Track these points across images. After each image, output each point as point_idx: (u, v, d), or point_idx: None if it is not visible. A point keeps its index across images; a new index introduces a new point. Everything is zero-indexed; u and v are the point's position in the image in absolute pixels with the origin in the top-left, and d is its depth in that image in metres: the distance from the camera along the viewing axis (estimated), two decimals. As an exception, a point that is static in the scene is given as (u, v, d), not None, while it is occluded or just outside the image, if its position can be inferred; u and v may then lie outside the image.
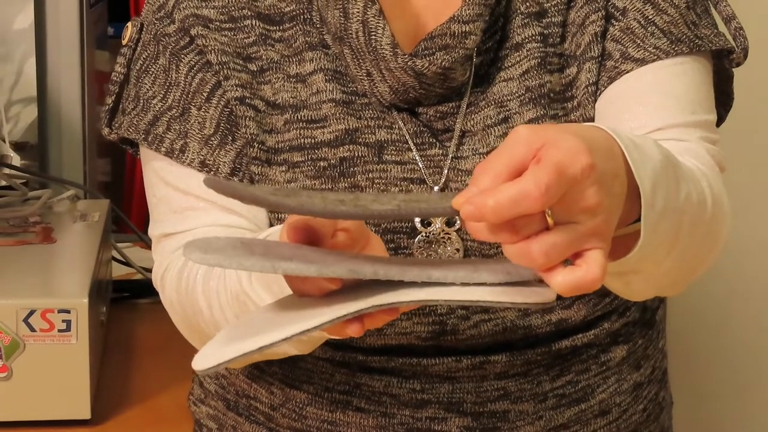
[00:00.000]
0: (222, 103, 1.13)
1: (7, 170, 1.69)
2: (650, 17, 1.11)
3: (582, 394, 1.18)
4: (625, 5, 1.11)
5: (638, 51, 1.10)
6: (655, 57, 1.10)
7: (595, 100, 1.11)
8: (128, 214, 1.26)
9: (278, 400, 1.19)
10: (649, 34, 1.11)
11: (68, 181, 1.79)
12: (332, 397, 1.16)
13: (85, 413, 1.31)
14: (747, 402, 2.10)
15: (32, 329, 1.29)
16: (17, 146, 1.81)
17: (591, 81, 1.10)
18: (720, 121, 1.19)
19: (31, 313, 1.29)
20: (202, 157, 1.13)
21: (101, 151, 1.98)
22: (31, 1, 1.86)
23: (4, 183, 1.66)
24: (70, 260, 1.45)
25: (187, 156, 1.13)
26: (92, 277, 1.37)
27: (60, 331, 1.29)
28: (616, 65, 1.10)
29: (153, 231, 1.18)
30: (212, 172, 1.12)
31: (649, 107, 1.11)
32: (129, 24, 1.20)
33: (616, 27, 1.11)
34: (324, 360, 1.17)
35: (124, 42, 1.20)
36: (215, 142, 1.13)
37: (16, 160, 1.76)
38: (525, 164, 0.78)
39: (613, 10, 1.11)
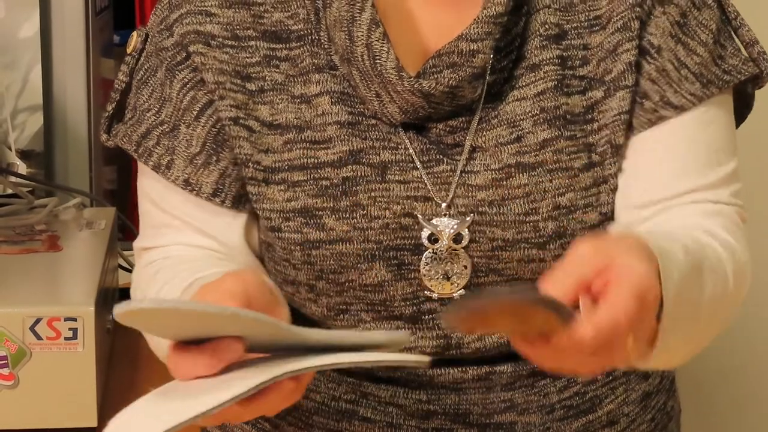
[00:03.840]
0: (210, 122, 1.13)
1: (13, 178, 1.69)
2: (682, 59, 1.12)
3: (589, 405, 1.18)
4: (659, 44, 1.11)
5: (676, 96, 1.11)
6: (691, 104, 1.11)
7: (626, 128, 1.11)
8: (134, 222, 1.27)
9: (285, 408, 1.19)
10: (683, 77, 1.11)
11: (74, 189, 1.80)
12: (339, 407, 1.17)
13: (92, 421, 1.32)
14: (754, 408, 2.09)
15: (39, 337, 1.30)
16: (23, 154, 1.81)
17: (624, 109, 1.11)
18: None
19: (38, 321, 1.30)
20: (186, 176, 1.14)
21: (107, 158, 1.98)
22: (36, 8, 1.87)
23: (10, 191, 1.66)
24: (76, 268, 1.46)
25: (173, 173, 1.14)
26: (99, 285, 1.37)
27: (66, 339, 1.30)
28: (656, 109, 1.11)
29: (135, 243, 1.21)
30: (195, 192, 1.13)
31: (683, 162, 1.14)
32: (134, 33, 1.21)
33: (653, 66, 1.12)
34: (331, 369, 1.18)
35: (128, 51, 1.21)
36: (200, 161, 1.14)
37: (22, 168, 1.77)
38: (590, 282, 0.85)
39: (648, 46, 1.12)
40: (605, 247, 0.88)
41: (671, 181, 1.13)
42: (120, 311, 0.87)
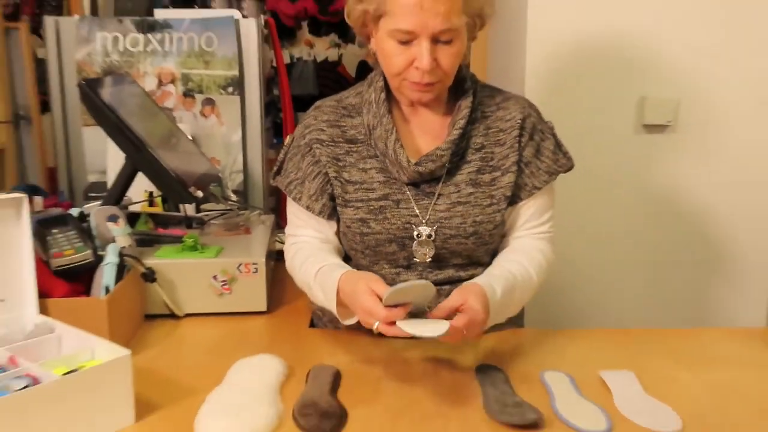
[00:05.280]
0: (318, 182, 1.13)
1: (230, 202, 1.70)
2: (539, 166, 1.13)
3: None
4: (529, 160, 1.12)
5: (539, 183, 1.13)
6: (544, 184, 1.13)
7: (512, 188, 1.11)
8: (282, 220, 1.29)
9: None
10: (540, 173, 1.13)
11: (256, 206, 1.78)
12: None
13: (263, 307, 1.31)
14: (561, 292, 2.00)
15: (240, 271, 1.29)
16: (234, 192, 1.82)
17: (510, 182, 1.11)
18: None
19: (240, 264, 1.29)
20: (307, 204, 1.14)
21: (271, 191, 1.98)
22: (239, 126, 1.85)
23: (227, 208, 1.66)
24: (257, 241, 1.44)
25: (302, 202, 1.15)
26: (267, 248, 1.37)
27: (252, 272, 1.30)
28: (531, 190, 1.13)
29: (286, 230, 1.23)
30: (311, 211, 1.14)
31: (540, 215, 1.16)
32: (288, 137, 1.22)
33: (528, 170, 1.12)
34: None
35: (285, 143, 1.22)
36: (313, 198, 1.14)
37: (233, 198, 1.77)
38: (457, 308, 0.95)
39: (525, 160, 1.12)
40: (464, 296, 0.97)
41: (533, 222, 1.16)
42: (389, 291, 0.92)
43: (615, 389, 0.98)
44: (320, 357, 1.11)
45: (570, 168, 1.15)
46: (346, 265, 1.09)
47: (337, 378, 1.02)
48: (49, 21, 1.80)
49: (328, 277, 1.05)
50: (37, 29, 2.75)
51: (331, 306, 1.04)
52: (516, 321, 1.21)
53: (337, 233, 1.17)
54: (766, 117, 1.65)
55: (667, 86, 1.65)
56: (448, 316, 0.95)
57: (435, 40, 0.99)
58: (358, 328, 1.09)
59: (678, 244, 1.72)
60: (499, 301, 1.01)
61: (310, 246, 1.15)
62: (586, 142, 1.65)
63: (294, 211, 1.18)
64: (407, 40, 1.00)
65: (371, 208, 1.09)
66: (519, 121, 1.10)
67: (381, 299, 0.94)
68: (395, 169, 1.08)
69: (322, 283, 1.06)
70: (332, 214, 1.13)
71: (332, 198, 1.13)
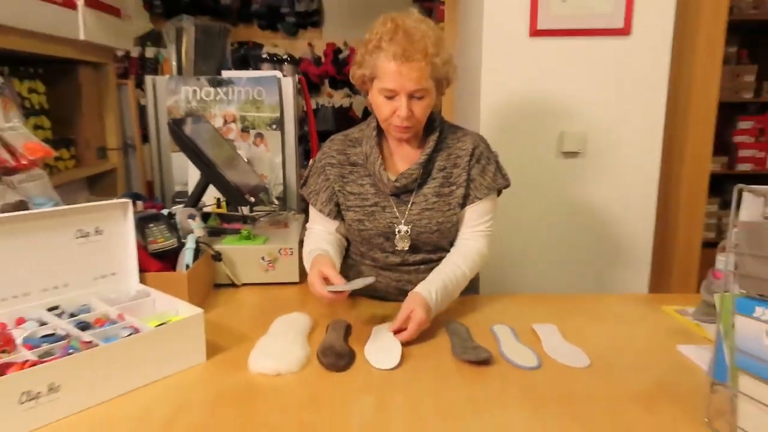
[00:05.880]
0: (327, 193, 1.11)
1: (273, 206, 1.69)
2: (482, 182, 1.09)
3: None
4: (473, 177, 1.09)
5: (480, 194, 1.08)
6: (484, 196, 1.09)
7: (463, 198, 1.08)
8: (308, 218, 1.29)
9: (354, 273, 1.17)
10: (482, 187, 1.09)
11: (292, 208, 1.76)
12: (368, 274, 1.14)
13: (296, 278, 1.29)
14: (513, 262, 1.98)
15: (281, 254, 1.27)
16: (277, 198, 1.78)
17: (462, 194, 1.08)
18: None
19: (281, 249, 1.27)
20: (320, 208, 1.12)
21: (302, 198, 1.96)
22: (280, 153, 1.80)
23: (271, 209, 1.65)
24: (292, 233, 1.42)
25: (316, 206, 1.12)
26: (299, 238, 1.34)
27: (289, 254, 1.27)
28: (473, 200, 1.09)
29: (307, 225, 1.19)
30: (323, 213, 1.11)
31: (480, 217, 1.10)
32: (311, 160, 1.19)
33: (473, 184, 1.09)
34: (369, 266, 1.14)
35: (310, 164, 1.19)
36: (324, 204, 1.11)
37: (276, 202, 1.75)
38: (407, 317, 0.94)
39: (471, 176, 1.09)
40: (411, 307, 0.95)
41: (474, 221, 1.10)
42: (331, 288, 0.93)
43: (543, 337, 0.99)
44: (337, 313, 1.10)
45: (506, 186, 1.12)
46: (328, 250, 1.07)
47: (349, 329, 1.01)
48: (148, 79, 1.81)
49: (312, 257, 1.06)
50: (140, 84, 2.81)
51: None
52: (474, 289, 1.21)
53: (340, 230, 1.16)
54: (647, 147, 1.67)
55: (578, 124, 1.65)
56: (405, 324, 0.96)
57: (410, 96, 0.99)
58: (360, 294, 1.13)
59: (587, 236, 1.72)
60: (436, 301, 1.01)
61: (319, 236, 1.15)
62: (522, 164, 1.66)
63: (312, 212, 1.18)
64: (391, 96, 1.00)
65: (365, 211, 1.08)
66: (471, 150, 1.09)
67: (328, 279, 0.97)
68: (381, 184, 1.08)
69: (308, 260, 1.07)
70: (336, 216, 1.13)
71: (337, 205, 1.12)
